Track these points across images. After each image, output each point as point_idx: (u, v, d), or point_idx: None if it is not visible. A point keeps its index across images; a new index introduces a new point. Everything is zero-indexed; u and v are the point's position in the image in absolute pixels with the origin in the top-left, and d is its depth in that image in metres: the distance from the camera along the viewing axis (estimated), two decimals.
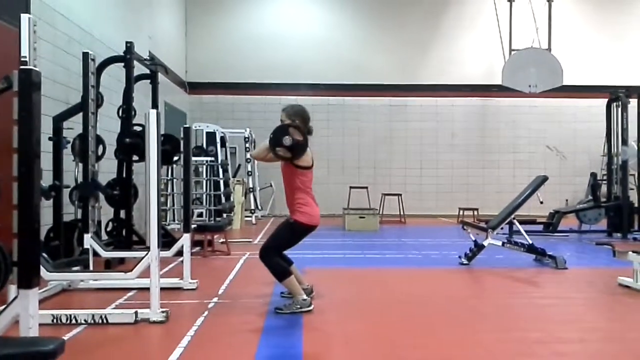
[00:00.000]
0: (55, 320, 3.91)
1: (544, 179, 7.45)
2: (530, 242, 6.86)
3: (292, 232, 4.51)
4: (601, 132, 11.17)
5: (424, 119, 15.13)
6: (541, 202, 7.13)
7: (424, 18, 15.06)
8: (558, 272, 6.33)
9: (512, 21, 14.12)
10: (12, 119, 2.35)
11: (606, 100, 10.57)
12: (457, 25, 15.11)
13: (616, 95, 10.25)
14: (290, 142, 4.31)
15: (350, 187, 13.41)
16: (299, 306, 4.31)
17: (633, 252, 5.25)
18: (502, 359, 3.31)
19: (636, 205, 10.21)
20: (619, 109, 10.17)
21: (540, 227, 10.04)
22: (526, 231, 7.18)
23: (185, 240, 5.19)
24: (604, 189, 10.75)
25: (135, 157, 6.86)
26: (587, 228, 10.35)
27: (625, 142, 9.99)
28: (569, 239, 9.65)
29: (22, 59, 2.94)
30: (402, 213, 13.21)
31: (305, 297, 4.36)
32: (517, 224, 7.15)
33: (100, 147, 6.21)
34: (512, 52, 13.87)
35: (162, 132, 6.97)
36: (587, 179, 11.72)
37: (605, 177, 11.15)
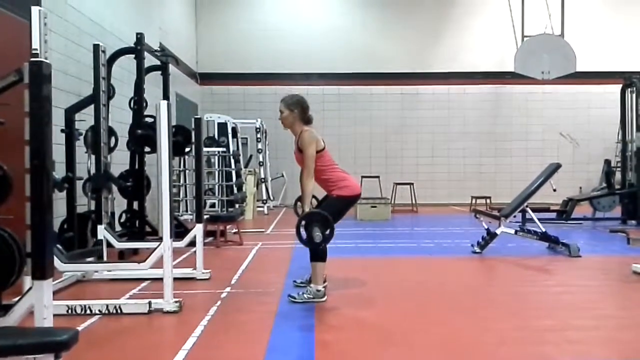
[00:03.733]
0: (69, 311, 3.95)
1: (557, 166, 7.39)
2: (544, 230, 6.82)
3: (338, 205, 4.47)
4: (615, 119, 11.08)
5: (436, 107, 15.05)
6: (554, 190, 7.07)
7: (435, 5, 14.94)
8: (572, 260, 6.30)
9: (524, 7, 13.96)
10: (24, 111, 2.36)
11: (620, 86, 10.45)
12: (468, 11, 14.98)
13: (630, 81, 10.13)
14: (320, 239, 4.11)
15: (362, 177, 13.39)
16: (312, 296, 4.31)
17: None
18: (515, 346, 3.30)
19: None
20: (634, 95, 10.05)
21: (553, 215, 9.98)
22: (539, 219, 7.13)
23: (197, 230, 5.22)
24: (618, 176, 10.66)
25: (147, 149, 6.89)
26: (601, 215, 10.27)
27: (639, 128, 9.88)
28: (582, 227, 9.58)
29: (33, 51, 2.96)
30: (414, 202, 13.19)
31: (320, 287, 4.36)
32: (530, 211, 7.10)
33: (113, 139, 6.24)
34: (525, 39, 13.72)
35: (174, 123, 7.01)
36: (601, 166, 11.63)
37: (619, 164, 11.05)
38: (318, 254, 4.36)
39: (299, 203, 4.43)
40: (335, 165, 4.58)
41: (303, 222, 4.13)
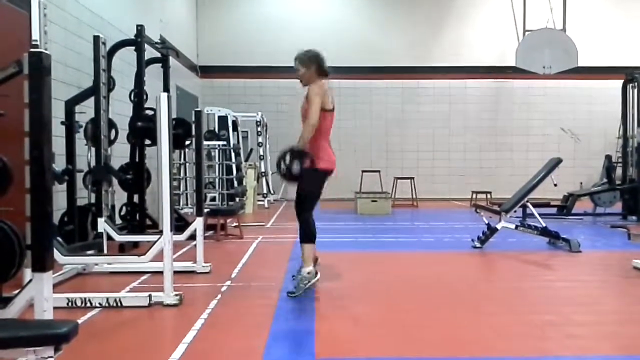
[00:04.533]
0: (70, 304, 3.94)
1: (558, 161, 7.38)
2: (544, 225, 6.81)
3: (315, 180, 4.43)
4: (617, 114, 11.04)
5: (437, 101, 15.04)
6: (555, 185, 7.06)
7: None
8: (572, 255, 6.29)
9: (526, 1, 13.92)
10: (23, 102, 2.34)
11: (622, 81, 10.42)
12: (470, 5, 14.95)
13: (632, 76, 10.10)
14: (297, 171, 4.17)
15: (362, 171, 13.39)
16: (306, 281, 4.30)
17: None
18: (514, 341, 3.29)
19: None
20: (635, 90, 10.02)
21: (554, 210, 9.97)
22: (540, 214, 7.12)
23: (198, 224, 5.21)
24: (619, 171, 10.65)
25: (147, 141, 6.87)
26: (602, 211, 10.26)
27: None
28: (583, 222, 9.58)
29: (33, 42, 2.95)
30: (414, 196, 13.18)
31: (310, 269, 4.35)
32: (530, 206, 7.09)
33: (113, 131, 6.23)
34: (526, 33, 13.70)
35: (174, 116, 7.00)
36: (602, 162, 11.60)
37: (620, 160, 11.03)
38: (306, 234, 4.38)
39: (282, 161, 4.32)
40: (328, 134, 4.56)
41: (288, 153, 4.17)
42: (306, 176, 4.38)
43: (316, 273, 4.39)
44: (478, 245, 6.74)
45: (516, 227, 6.84)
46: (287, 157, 4.19)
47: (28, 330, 2.09)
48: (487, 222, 6.93)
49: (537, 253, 6.46)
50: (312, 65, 4.49)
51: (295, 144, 4.31)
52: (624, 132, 10.38)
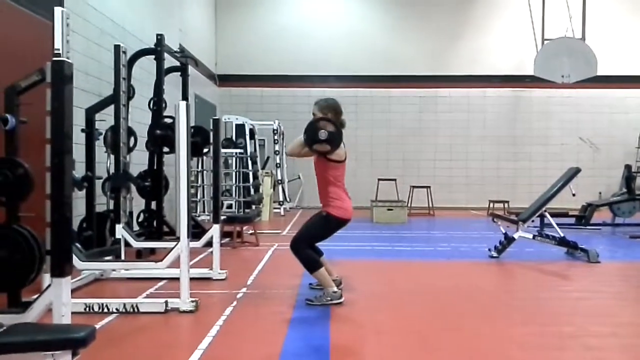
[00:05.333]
0: (87, 309, 3.98)
1: (577, 170, 7.31)
2: (562, 235, 6.75)
3: (325, 225, 4.48)
4: (636, 124, 10.96)
5: (454, 110, 14.98)
6: (574, 195, 7.00)
7: (454, 7, 14.88)
8: (590, 265, 6.22)
9: (544, 9, 13.84)
10: (45, 110, 2.39)
11: None
12: (488, 14, 14.90)
13: None
14: (326, 136, 4.25)
15: (379, 179, 13.37)
16: (329, 298, 4.31)
17: None
18: (532, 352, 3.27)
19: None
20: None
21: (572, 220, 9.86)
22: (558, 224, 7.06)
23: (214, 231, 5.24)
24: (638, 181, 10.53)
25: (165, 149, 6.93)
26: (621, 221, 10.14)
27: None
28: (602, 232, 9.47)
29: (55, 51, 2.99)
30: (430, 205, 13.12)
31: (335, 289, 4.35)
32: (548, 216, 7.03)
33: (132, 139, 6.28)
34: (545, 42, 13.61)
35: (192, 124, 7.05)
36: (621, 171, 11.48)
37: None
38: (308, 266, 4.39)
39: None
40: (342, 183, 4.55)
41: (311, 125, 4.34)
42: (318, 219, 4.47)
43: (341, 295, 4.37)
44: (495, 254, 6.69)
45: (534, 236, 6.79)
46: (312, 127, 4.31)
47: (46, 334, 2.12)
48: (504, 231, 6.89)
49: (555, 263, 6.40)
50: (329, 114, 4.51)
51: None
52: None
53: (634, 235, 8.69)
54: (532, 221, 7.18)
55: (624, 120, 14.36)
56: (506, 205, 12.96)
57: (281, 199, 13.00)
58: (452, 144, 15.03)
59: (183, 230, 4.08)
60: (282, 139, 13.71)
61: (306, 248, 4.43)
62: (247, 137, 12.24)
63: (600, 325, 3.88)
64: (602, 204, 10.56)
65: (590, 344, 3.42)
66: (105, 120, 6.13)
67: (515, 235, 6.72)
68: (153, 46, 6.96)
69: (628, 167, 10.38)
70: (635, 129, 11.96)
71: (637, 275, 5.62)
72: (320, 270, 4.37)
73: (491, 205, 13.18)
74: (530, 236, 6.76)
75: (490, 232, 8.57)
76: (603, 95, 14.73)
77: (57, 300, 2.32)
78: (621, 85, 14.42)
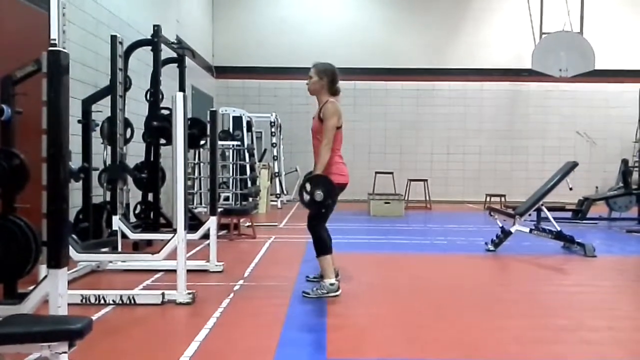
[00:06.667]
0: (84, 300, 3.98)
1: (574, 165, 7.32)
2: (559, 229, 6.77)
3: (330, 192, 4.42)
4: (633, 118, 10.95)
5: (452, 103, 14.97)
6: (570, 189, 7.00)
7: (453, 1, 14.83)
8: (587, 259, 6.24)
9: (543, 3, 13.81)
10: (42, 100, 2.38)
11: (639, 85, 10.31)
12: (486, 7, 14.87)
13: None
14: (321, 197, 4.15)
15: (376, 173, 13.36)
16: (325, 291, 4.29)
17: None
18: (528, 345, 3.28)
19: None
20: None
21: (569, 214, 9.89)
22: (554, 218, 7.07)
23: (211, 223, 5.23)
24: (635, 175, 10.54)
25: (162, 141, 6.92)
26: (618, 215, 10.17)
27: None
28: (598, 227, 9.49)
29: (52, 41, 2.97)
30: (427, 199, 13.13)
31: (333, 281, 4.33)
32: (545, 210, 7.04)
33: (129, 130, 6.26)
34: (543, 36, 13.59)
35: (189, 115, 7.03)
36: (618, 166, 11.49)
37: (637, 164, 10.92)
38: (320, 247, 4.35)
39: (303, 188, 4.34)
40: (338, 149, 4.49)
41: (308, 182, 4.19)
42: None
43: (338, 288, 4.35)
44: (492, 248, 6.70)
45: (530, 230, 6.80)
46: (308, 186, 4.19)
47: (43, 325, 2.11)
48: (501, 225, 6.90)
49: (551, 257, 6.41)
50: (325, 78, 4.46)
51: (314, 171, 4.32)
52: None
53: (630, 230, 8.71)
54: (529, 215, 7.18)
55: (621, 114, 14.35)
56: (503, 198, 12.97)
57: (278, 191, 12.99)
58: (449, 137, 15.02)
59: (180, 222, 4.08)
60: (280, 131, 13.68)
61: (323, 229, 4.38)
62: (244, 130, 12.22)
63: (596, 319, 3.89)
64: (598, 198, 10.58)
65: (586, 337, 3.43)
66: (101, 111, 6.12)
67: (512, 229, 6.73)
68: (150, 37, 6.94)
69: (625, 162, 10.38)
70: (633, 124, 11.94)
71: (633, 269, 5.63)
72: (327, 257, 4.35)
73: (488, 198, 13.18)
74: (527, 230, 6.77)
75: (487, 226, 8.58)
76: (600, 90, 14.73)
77: (54, 291, 2.31)
78: (618, 80, 14.41)
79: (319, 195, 4.10)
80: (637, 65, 14.14)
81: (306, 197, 4.18)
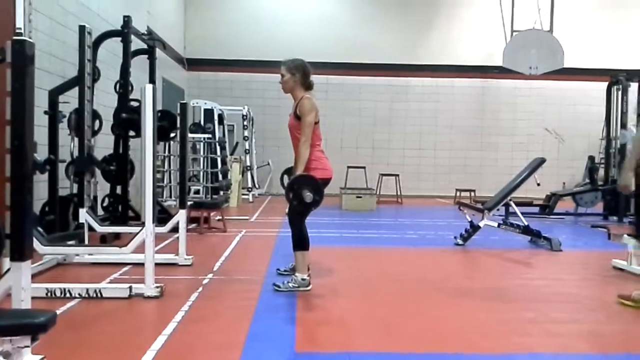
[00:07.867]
0: (49, 294, 3.92)
1: (542, 161, 7.44)
2: (526, 223, 6.88)
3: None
4: (600, 116, 11.15)
5: (424, 99, 15.09)
6: (538, 184, 7.13)
7: None
8: (553, 254, 6.36)
9: (514, 2, 13.98)
10: (5, 90, 2.32)
11: (606, 83, 10.52)
12: (458, 4, 15.02)
13: (616, 79, 10.21)
14: (310, 199, 4.06)
15: (348, 167, 13.41)
16: (297, 285, 4.29)
17: (628, 235, 5.26)
18: (495, 337, 3.32)
19: (633, 189, 10.16)
20: (619, 93, 10.13)
21: (536, 210, 10.05)
22: (522, 213, 7.19)
23: (181, 216, 5.18)
24: (601, 172, 10.76)
25: (131, 133, 6.83)
26: (584, 211, 10.37)
27: (624, 126, 9.96)
28: (565, 222, 9.67)
29: (17, 30, 2.91)
30: (399, 193, 13.22)
31: (305, 276, 4.33)
32: (513, 205, 7.15)
33: (97, 122, 6.18)
34: (514, 33, 13.76)
35: (160, 108, 6.96)
36: (585, 163, 11.72)
37: (603, 161, 11.15)
38: (299, 242, 4.34)
39: (285, 176, 4.31)
40: (318, 145, 4.48)
41: (294, 185, 4.10)
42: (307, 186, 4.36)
43: (309, 284, 4.34)
44: (460, 242, 6.78)
45: (499, 225, 6.90)
46: (295, 187, 4.11)
47: (4, 319, 2.08)
48: (470, 219, 6.98)
49: (518, 251, 6.52)
50: (297, 74, 4.44)
51: (296, 172, 4.24)
52: (607, 134, 10.48)
53: (595, 225, 8.88)
54: (498, 210, 7.30)
55: (589, 112, 14.64)
56: (472, 193, 13.14)
57: (249, 185, 12.95)
58: (421, 133, 15.15)
59: (148, 214, 4.03)
60: (252, 124, 13.62)
61: (303, 225, 4.35)
62: (216, 122, 12.12)
63: (562, 311, 3.96)
64: (565, 194, 10.77)
65: (551, 329, 3.49)
66: (69, 102, 6.01)
67: (481, 224, 6.82)
68: (120, 28, 6.84)
69: (591, 158, 10.59)
70: (599, 121, 12.16)
71: (598, 263, 5.75)
72: (304, 252, 4.32)
73: (458, 193, 13.35)
74: (495, 224, 6.86)
75: (457, 220, 8.67)
76: (569, 87, 15.00)
77: (17, 284, 2.27)
78: (586, 78, 14.68)
79: (308, 197, 4.03)
80: (604, 64, 14.40)
81: (294, 200, 4.10)
